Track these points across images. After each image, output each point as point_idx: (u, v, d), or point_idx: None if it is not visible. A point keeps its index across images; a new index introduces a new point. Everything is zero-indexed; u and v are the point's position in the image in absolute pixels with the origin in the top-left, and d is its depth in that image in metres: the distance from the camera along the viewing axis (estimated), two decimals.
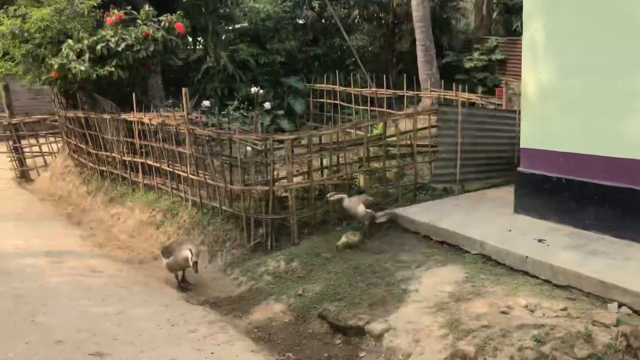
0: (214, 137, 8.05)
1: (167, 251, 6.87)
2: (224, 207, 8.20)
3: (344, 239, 6.94)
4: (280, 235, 7.81)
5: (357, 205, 6.99)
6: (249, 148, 8.10)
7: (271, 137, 7.34)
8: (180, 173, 9.34)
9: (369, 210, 7.26)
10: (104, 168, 11.96)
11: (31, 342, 5.19)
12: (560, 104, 6.60)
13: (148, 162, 10.46)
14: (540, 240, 6.20)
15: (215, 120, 10.05)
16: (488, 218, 7.20)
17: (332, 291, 5.99)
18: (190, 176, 9.05)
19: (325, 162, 8.82)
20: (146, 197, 10.67)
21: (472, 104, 11.42)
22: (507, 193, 8.51)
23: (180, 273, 6.99)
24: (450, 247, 6.78)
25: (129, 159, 10.87)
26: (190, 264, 6.38)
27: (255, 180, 7.71)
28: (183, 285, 6.93)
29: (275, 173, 7.73)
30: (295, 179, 7.86)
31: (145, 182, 10.77)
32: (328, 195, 7.34)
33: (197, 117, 9.93)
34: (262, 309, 6.19)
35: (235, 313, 6.25)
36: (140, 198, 10.79)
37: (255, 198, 7.75)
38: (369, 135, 8.66)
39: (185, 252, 6.45)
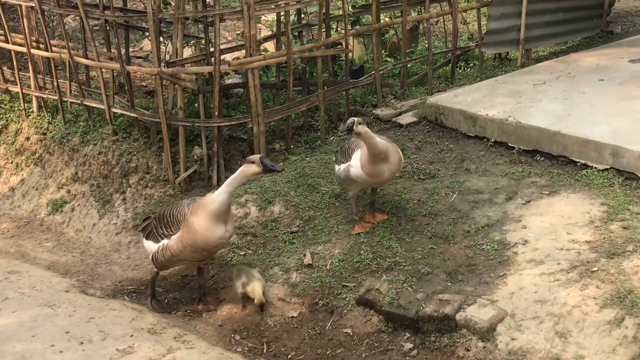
0: None
1: (160, 226, 5.53)
2: (116, 110, 7.50)
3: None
4: (231, 157, 7.33)
5: (397, 155, 5.68)
6: None
7: None
8: (10, 47, 8.32)
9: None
10: None
11: None
12: None
13: None
14: None
15: None
16: (607, 104, 6.96)
17: (367, 255, 5.60)
18: (36, 52, 8.11)
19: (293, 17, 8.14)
20: None
21: None
22: (611, 58, 8.47)
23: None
24: (550, 160, 6.55)
25: None
26: (256, 298, 5.40)
27: (181, 55, 6.92)
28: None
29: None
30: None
31: None
32: None
33: None
34: (236, 296, 5.68)
35: (184, 308, 5.74)
36: None
37: (187, 89, 7.07)
38: None
39: (220, 231, 5.29)
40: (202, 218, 5.21)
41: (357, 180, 5.68)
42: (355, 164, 5.60)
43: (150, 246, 5.56)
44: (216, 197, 5.21)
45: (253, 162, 5.08)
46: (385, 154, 5.47)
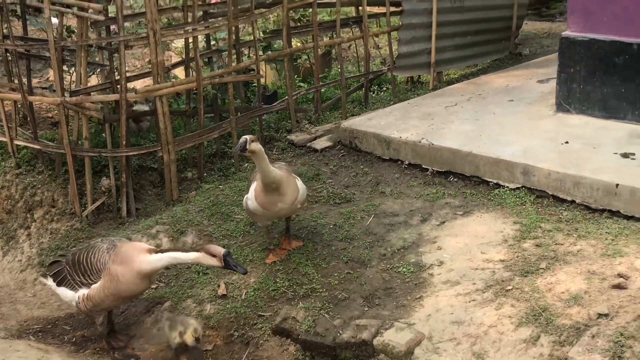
0: None
1: (77, 273, 5.12)
2: (19, 142, 7.24)
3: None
4: (141, 188, 7.19)
5: (292, 188, 5.51)
6: (55, 20, 7.05)
7: None
8: None
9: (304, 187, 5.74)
10: None
11: None
12: None
13: None
14: (626, 155, 6.16)
15: None
16: (517, 124, 7.09)
17: (283, 282, 5.53)
18: None
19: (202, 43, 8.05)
20: None
21: None
22: (520, 79, 8.65)
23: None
24: (463, 181, 6.63)
25: None
26: (193, 331, 5.01)
27: (85, 83, 6.73)
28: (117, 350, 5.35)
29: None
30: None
31: None
32: None
33: None
34: (147, 332, 5.53)
35: (95, 346, 5.52)
36: None
37: (93, 118, 6.90)
38: None
39: (146, 283, 5.00)
40: (129, 271, 4.92)
41: (256, 213, 5.55)
42: (251, 196, 5.47)
43: (66, 293, 5.22)
44: (153, 261, 4.90)
45: (214, 256, 4.79)
46: (278, 184, 5.32)
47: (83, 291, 5.10)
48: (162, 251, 4.96)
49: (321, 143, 7.65)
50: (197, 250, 4.86)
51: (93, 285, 5.04)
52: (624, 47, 6.72)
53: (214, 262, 4.81)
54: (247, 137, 5.10)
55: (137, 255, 4.92)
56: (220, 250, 4.78)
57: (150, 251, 4.94)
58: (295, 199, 5.46)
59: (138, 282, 4.97)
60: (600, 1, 6.82)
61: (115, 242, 5.16)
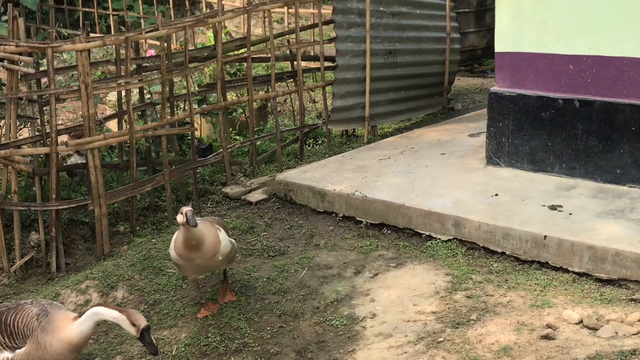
0: None
1: (2, 334, 4.76)
2: None
3: None
4: (72, 242, 7.03)
5: (212, 243, 5.35)
6: None
7: (50, 46, 6.24)
8: None
9: (232, 241, 5.65)
10: None
11: None
12: None
13: None
14: (553, 207, 6.26)
15: None
16: (449, 177, 7.16)
17: (215, 337, 5.42)
18: None
19: (136, 96, 7.99)
20: None
21: None
22: (452, 133, 8.77)
23: None
24: (397, 233, 6.65)
25: None
26: None
27: (15, 136, 6.59)
28: None
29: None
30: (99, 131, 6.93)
31: None
32: None
33: None
34: None
35: None
36: None
37: (22, 171, 6.75)
38: (224, 42, 8.00)
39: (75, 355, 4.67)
40: (57, 342, 4.63)
41: (178, 263, 5.44)
42: (172, 246, 5.38)
43: None
44: (78, 325, 4.62)
45: (134, 325, 4.55)
46: (198, 242, 5.22)
47: (7, 354, 4.85)
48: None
49: (256, 196, 7.62)
50: (120, 312, 4.64)
51: (17, 351, 4.75)
52: (550, 102, 6.88)
53: (131, 330, 4.57)
54: (189, 209, 5.07)
55: (66, 325, 4.70)
56: (142, 323, 4.57)
57: (75, 318, 4.73)
58: (215, 253, 5.31)
59: (67, 354, 4.70)
60: (526, 57, 6.99)
61: (47, 307, 4.84)
